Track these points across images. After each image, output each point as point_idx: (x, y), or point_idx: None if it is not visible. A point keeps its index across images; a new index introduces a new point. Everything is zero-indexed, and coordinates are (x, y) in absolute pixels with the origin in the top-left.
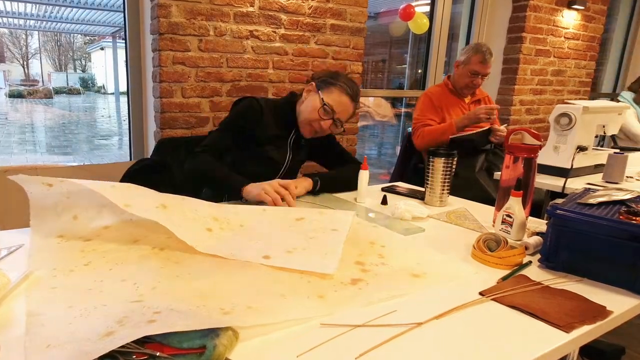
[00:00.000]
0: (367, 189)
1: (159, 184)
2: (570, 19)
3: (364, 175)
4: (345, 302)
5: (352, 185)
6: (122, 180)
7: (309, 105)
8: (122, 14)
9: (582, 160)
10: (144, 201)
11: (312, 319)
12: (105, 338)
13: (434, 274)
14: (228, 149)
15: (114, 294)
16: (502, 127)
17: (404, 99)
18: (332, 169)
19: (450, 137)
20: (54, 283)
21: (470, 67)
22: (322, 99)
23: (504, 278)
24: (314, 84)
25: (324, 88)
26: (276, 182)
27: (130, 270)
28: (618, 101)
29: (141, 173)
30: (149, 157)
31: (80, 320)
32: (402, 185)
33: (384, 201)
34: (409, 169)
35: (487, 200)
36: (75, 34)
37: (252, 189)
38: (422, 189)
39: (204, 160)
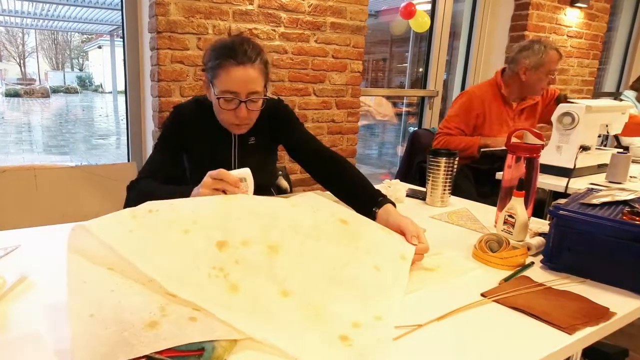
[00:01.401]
0: None
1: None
2: (573, 17)
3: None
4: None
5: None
6: (129, 195)
7: (215, 106)
8: (120, 12)
9: (585, 160)
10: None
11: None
12: (149, 330)
13: (447, 267)
14: (170, 170)
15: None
16: None
17: (404, 98)
18: (318, 175)
19: (483, 150)
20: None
21: (546, 67)
22: (214, 92)
23: (506, 279)
24: (205, 76)
25: (212, 78)
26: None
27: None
28: (621, 100)
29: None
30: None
31: (123, 291)
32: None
33: None
34: (413, 169)
35: None
36: (72, 33)
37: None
38: (424, 189)
39: (145, 185)
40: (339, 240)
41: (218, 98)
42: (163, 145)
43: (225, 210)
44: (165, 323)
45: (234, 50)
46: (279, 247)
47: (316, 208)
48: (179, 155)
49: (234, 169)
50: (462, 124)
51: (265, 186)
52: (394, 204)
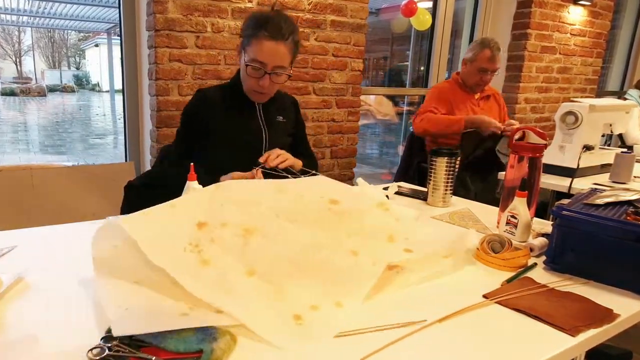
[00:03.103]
0: None
1: (165, 199)
2: (576, 15)
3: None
4: (383, 285)
5: None
6: (126, 196)
7: (242, 71)
8: (117, 10)
9: (588, 160)
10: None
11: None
12: (181, 317)
13: (461, 252)
14: (190, 154)
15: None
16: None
17: (405, 97)
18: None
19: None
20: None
21: (477, 64)
22: (244, 58)
23: (509, 280)
24: (239, 42)
25: (246, 45)
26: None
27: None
28: (625, 99)
29: (147, 187)
30: (152, 168)
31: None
32: (405, 186)
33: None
34: (412, 169)
35: None
36: (69, 31)
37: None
38: (425, 190)
39: (164, 174)
40: (320, 223)
41: (247, 65)
42: (187, 130)
43: (211, 197)
44: (193, 314)
45: (270, 24)
46: (254, 229)
47: (305, 191)
48: (203, 140)
49: (265, 140)
50: (439, 107)
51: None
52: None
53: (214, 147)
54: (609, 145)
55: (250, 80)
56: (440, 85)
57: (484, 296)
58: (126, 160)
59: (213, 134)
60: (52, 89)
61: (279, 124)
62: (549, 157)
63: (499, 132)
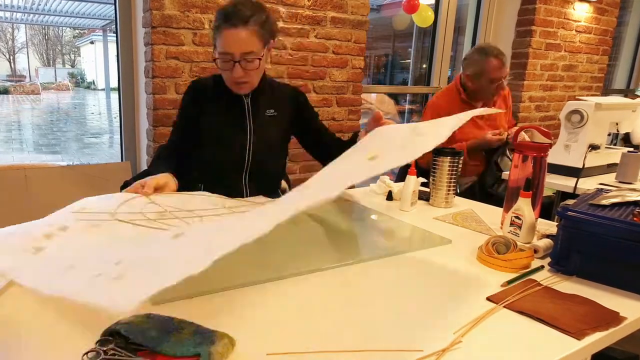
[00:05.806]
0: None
1: None
2: (582, 11)
3: (410, 182)
4: None
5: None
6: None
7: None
8: (113, 6)
9: (594, 160)
10: None
11: None
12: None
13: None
14: (179, 146)
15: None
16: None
17: (407, 95)
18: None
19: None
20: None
21: (487, 77)
22: (213, 55)
23: (510, 281)
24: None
25: (215, 40)
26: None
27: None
28: (635, 97)
29: None
30: (148, 168)
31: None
32: None
33: (389, 197)
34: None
35: None
36: (64, 27)
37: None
38: (427, 190)
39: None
40: None
41: (215, 59)
42: (179, 123)
43: None
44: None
45: (228, 13)
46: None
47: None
48: (193, 131)
49: (250, 136)
50: None
51: (272, 178)
52: None
53: (204, 138)
54: (615, 145)
55: (224, 73)
56: (438, 102)
57: (488, 299)
58: (122, 160)
59: (205, 124)
60: (47, 87)
61: (267, 118)
62: (554, 156)
63: (502, 143)
